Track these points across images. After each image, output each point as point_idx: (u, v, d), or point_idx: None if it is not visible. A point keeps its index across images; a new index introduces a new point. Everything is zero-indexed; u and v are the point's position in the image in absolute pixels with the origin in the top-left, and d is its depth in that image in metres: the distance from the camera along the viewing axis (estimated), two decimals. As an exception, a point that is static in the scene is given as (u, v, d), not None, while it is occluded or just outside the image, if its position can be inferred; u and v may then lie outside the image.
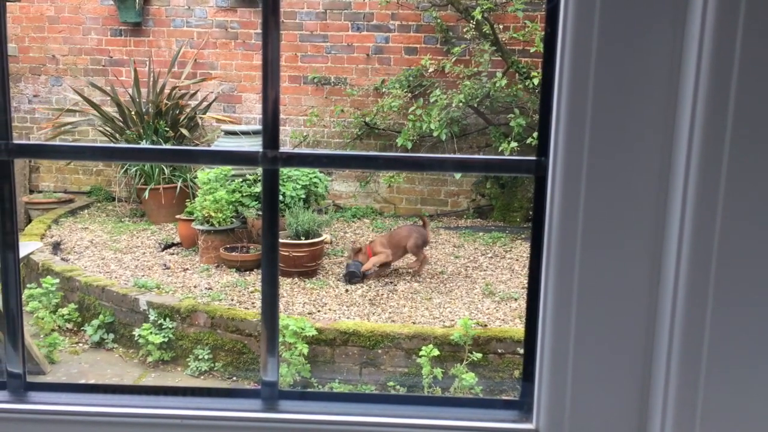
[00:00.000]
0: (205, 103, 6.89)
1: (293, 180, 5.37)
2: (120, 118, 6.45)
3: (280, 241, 4.79)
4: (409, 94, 6.49)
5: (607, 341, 0.77)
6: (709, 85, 0.68)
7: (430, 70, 6.39)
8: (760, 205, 0.69)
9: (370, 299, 4.56)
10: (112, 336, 4.37)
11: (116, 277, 4.78)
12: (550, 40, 0.74)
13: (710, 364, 0.73)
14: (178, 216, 5.60)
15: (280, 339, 3.75)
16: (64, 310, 4.46)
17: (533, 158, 0.79)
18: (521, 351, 3.55)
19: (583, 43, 0.70)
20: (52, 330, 4.30)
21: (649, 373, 0.78)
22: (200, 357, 4.05)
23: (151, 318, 4.17)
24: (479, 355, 3.79)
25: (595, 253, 0.75)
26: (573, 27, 0.70)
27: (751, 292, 0.72)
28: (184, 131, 6.45)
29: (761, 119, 0.68)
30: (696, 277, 0.72)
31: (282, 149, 0.91)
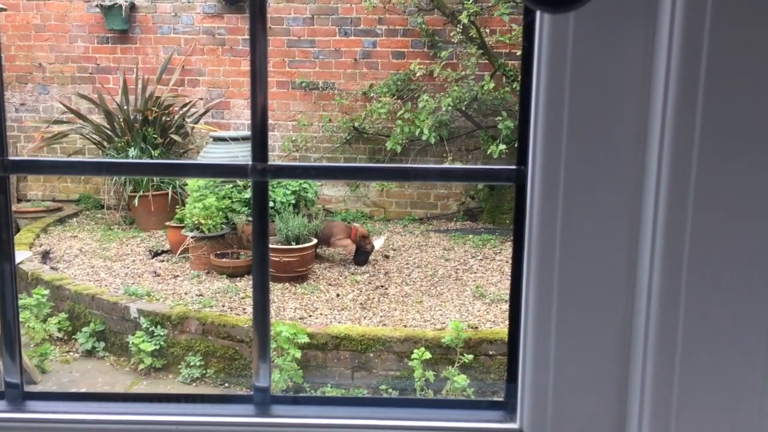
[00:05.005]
0: (194, 110, 6.89)
1: (283, 186, 5.39)
2: (108, 126, 6.44)
3: (271, 246, 4.81)
4: (398, 99, 6.53)
5: (587, 343, 0.81)
6: (677, 93, 0.72)
7: (418, 74, 6.43)
8: (727, 207, 0.73)
9: (361, 303, 4.58)
10: (103, 344, 4.37)
11: (106, 285, 4.78)
12: (527, 54, 0.77)
13: (683, 363, 0.76)
14: (167, 223, 5.60)
15: (273, 345, 3.76)
16: (55, 319, 4.45)
17: (513, 167, 0.83)
18: (511, 352, 3.58)
19: (558, 56, 0.73)
20: (43, 339, 4.29)
21: (627, 372, 0.81)
22: (192, 364, 4.05)
23: (143, 326, 4.17)
24: (470, 357, 3.81)
25: (574, 258, 0.78)
26: (548, 41, 0.73)
27: (721, 294, 0.75)
28: (175, 137, 6.44)
29: (725, 125, 0.72)
30: (669, 278, 0.75)
31: (272, 158, 0.93)
